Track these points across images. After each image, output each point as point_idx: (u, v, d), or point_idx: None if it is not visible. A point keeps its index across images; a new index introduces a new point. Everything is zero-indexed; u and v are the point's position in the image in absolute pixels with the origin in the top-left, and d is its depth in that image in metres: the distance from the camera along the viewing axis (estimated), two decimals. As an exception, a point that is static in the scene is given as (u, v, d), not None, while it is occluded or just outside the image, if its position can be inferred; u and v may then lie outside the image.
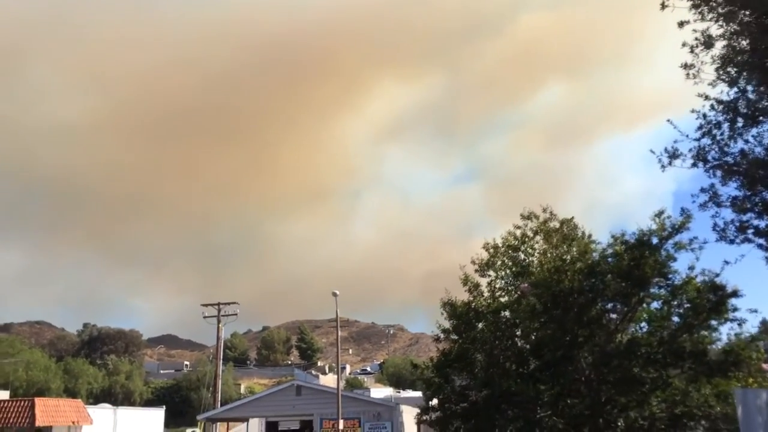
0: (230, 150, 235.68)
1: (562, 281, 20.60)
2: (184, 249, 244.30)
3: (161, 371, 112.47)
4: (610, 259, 21.20)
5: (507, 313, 22.77)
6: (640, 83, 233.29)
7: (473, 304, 23.12)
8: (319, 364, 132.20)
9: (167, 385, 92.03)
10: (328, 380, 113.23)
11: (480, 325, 23.13)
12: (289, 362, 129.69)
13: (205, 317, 58.74)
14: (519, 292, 21.94)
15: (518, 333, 23.08)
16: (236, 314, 59.02)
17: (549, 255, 22.68)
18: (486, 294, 23.34)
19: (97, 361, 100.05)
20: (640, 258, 20.48)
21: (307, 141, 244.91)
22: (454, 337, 23.73)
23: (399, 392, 74.60)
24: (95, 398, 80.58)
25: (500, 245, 23.97)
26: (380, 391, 73.40)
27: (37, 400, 33.95)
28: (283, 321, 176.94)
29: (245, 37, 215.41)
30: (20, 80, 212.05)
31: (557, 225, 23.28)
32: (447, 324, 23.82)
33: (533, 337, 22.40)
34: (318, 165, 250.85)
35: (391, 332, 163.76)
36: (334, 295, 58.53)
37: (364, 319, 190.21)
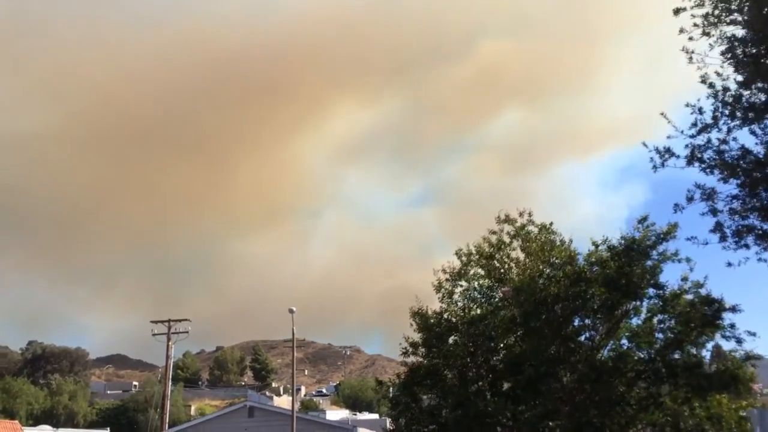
0: (188, 166, 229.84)
1: (548, 287, 18.44)
2: (137, 266, 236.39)
3: (108, 392, 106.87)
4: (595, 267, 19.15)
5: (482, 326, 20.43)
6: (595, 111, 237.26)
7: (446, 314, 20.79)
8: (274, 385, 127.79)
9: (113, 407, 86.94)
10: (283, 402, 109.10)
11: (452, 339, 20.82)
12: (243, 383, 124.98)
13: (154, 335, 54.89)
14: (501, 295, 19.69)
15: (493, 346, 20.83)
16: (187, 332, 55.37)
17: (528, 261, 20.56)
18: (460, 304, 21.03)
19: (40, 380, 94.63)
20: (629, 265, 18.52)
21: (267, 159, 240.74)
22: (423, 351, 21.35)
23: (356, 414, 71.61)
24: (35, 419, 75.53)
25: (473, 252, 21.78)
26: (336, 414, 70.22)
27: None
28: (237, 341, 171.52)
29: (206, 54, 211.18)
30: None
31: (535, 230, 21.20)
32: (416, 336, 21.46)
33: (512, 351, 20.17)
34: (277, 184, 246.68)
35: (348, 353, 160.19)
36: (291, 312, 55.60)
37: (320, 339, 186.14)
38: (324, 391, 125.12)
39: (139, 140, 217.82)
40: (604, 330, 19.73)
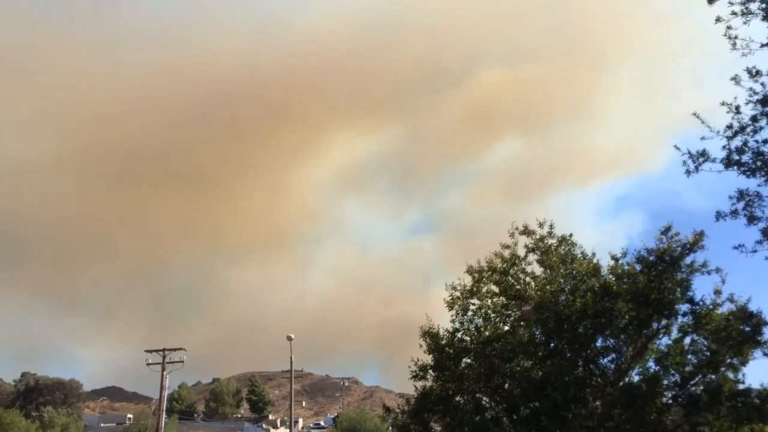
0: (186, 194, 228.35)
1: (573, 302, 16.63)
2: (133, 296, 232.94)
3: (102, 424, 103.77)
4: (623, 280, 17.35)
5: (498, 346, 18.51)
6: (592, 139, 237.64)
7: (460, 333, 18.93)
8: (271, 417, 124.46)
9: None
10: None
11: (466, 360, 18.92)
12: (239, 415, 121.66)
13: (148, 364, 52.87)
14: (520, 313, 17.87)
15: (510, 369, 18.89)
16: (182, 361, 53.33)
17: (547, 276, 18.79)
18: (475, 322, 19.16)
19: (33, 413, 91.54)
20: (661, 278, 16.76)
21: (266, 187, 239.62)
22: (434, 374, 19.42)
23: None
24: (25, 453, 72.64)
25: (485, 268, 20.01)
26: (335, 446, 67.47)
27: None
28: (234, 372, 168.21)
29: (206, 82, 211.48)
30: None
31: (555, 243, 19.47)
32: (426, 358, 19.54)
33: (529, 375, 18.26)
34: (276, 212, 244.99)
35: (346, 385, 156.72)
36: (289, 339, 53.45)
37: (317, 371, 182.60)
38: (322, 423, 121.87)
39: (137, 168, 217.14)
40: (633, 350, 17.87)
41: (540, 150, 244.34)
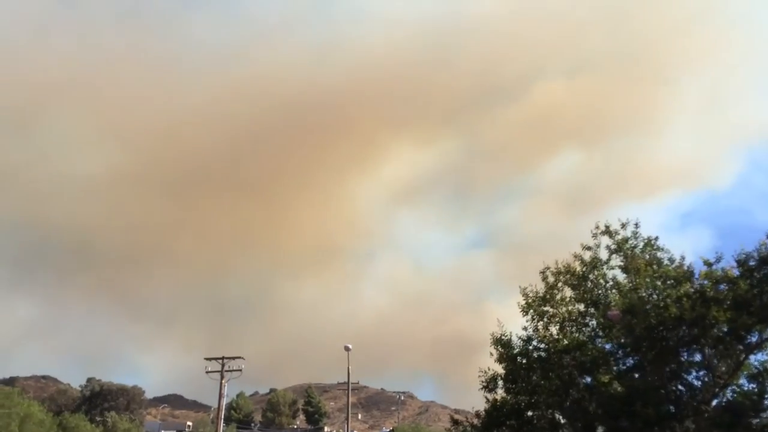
0: (244, 207, 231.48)
1: (667, 308, 14.87)
2: (194, 305, 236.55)
3: (162, 431, 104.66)
4: (722, 286, 15.49)
5: (577, 355, 16.82)
6: (655, 153, 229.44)
7: (535, 340, 17.32)
8: (326, 429, 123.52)
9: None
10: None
11: (540, 372, 17.27)
12: (295, 426, 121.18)
13: (207, 372, 52.72)
14: (603, 320, 16.19)
15: (584, 383, 17.16)
16: (240, 370, 52.91)
17: (631, 281, 17.03)
18: (552, 329, 17.53)
19: (97, 417, 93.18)
20: (765, 283, 14.86)
21: (322, 200, 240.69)
22: (505, 386, 17.88)
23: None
24: (90, 457, 73.68)
25: (562, 271, 18.40)
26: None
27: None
28: (290, 383, 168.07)
29: (263, 95, 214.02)
30: (40, 134, 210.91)
31: (640, 246, 17.72)
32: (496, 367, 18.04)
33: (612, 389, 16.51)
34: (331, 225, 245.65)
35: (402, 399, 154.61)
36: (347, 349, 52.44)
37: (373, 384, 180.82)
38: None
39: (199, 181, 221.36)
40: (729, 365, 15.94)
41: (600, 163, 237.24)
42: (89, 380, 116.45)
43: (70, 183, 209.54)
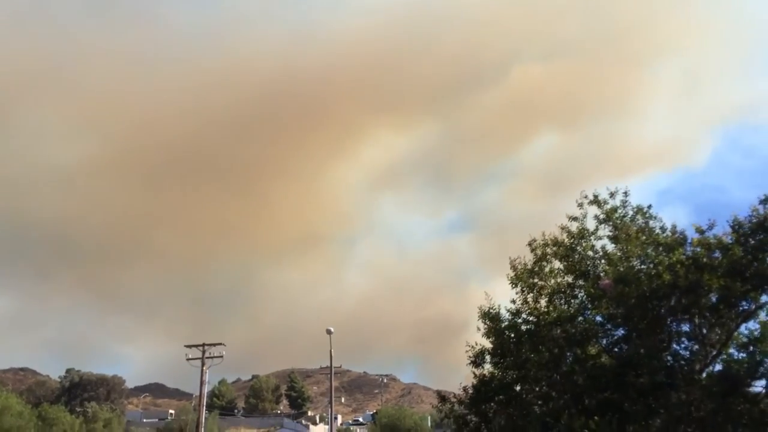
0: (224, 196, 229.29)
1: (660, 275, 14.35)
2: (175, 296, 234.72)
3: (144, 420, 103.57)
4: (716, 252, 14.99)
5: (568, 327, 16.27)
6: (632, 134, 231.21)
7: (525, 313, 16.75)
8: (310, 413, 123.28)
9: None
10: (319, 430, 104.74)
11: (530, 345, 16.71)
12: (279, 411, 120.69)
13: (188, 359, 51.95)
14: (593, 290, 15.65)
15: (580, 354, 16.63)
16: (222, 356, 52.20)
17: (622, 250, 16.48)
18: (542, 302, 16.96)
19: (77, 408, 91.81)
20: (761, 249, 14.41)
21: (302, 187, 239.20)
22: (493, 360, 17.32)
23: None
24: (70, 447, 72.52)
25: (549, 243, 17.83)
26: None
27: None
28: (273, 369, 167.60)
29: (242, 83, 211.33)
30: (16, 125, 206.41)
31: (630, 214, 17.19)
32: (484, 342, 17.47)
33: (601, 361, 16.02)
34: (312, 211, 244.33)
35: (384, 382, 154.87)
36: (329, 332, 51.85)
37: (355, 368, 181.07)
38: (361, 420, 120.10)
39: (177, 170, 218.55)
40: (722, 333, 15.50)
41: (578, 145, 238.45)
42: (68, 371, 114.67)
43: (48, 175, 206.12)
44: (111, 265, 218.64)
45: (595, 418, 13.97)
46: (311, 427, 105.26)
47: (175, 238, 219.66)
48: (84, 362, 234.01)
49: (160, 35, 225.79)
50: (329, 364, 51.91)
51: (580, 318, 16.31)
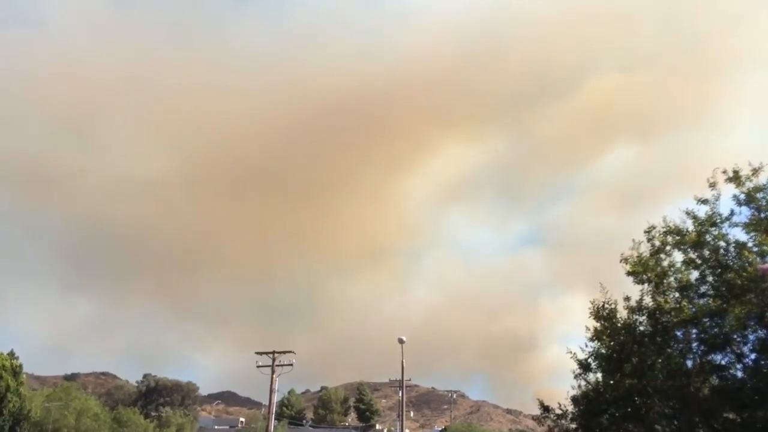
0: (294, 206, 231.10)
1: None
2: (247, 304, 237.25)
3: (215, 427, 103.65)
4: None
5: (707, 325, 13.29)
6: (713, 147, 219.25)
7: (653, 310, 13.81)
8: (378, 427, 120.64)
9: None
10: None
11: (651, 350, 13.78)
12: (347, 424, 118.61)
13: (258, 366, 50.89)
14: (757, 275, 12.64)
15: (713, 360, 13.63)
16: (291, 364, 50.84)
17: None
18: (670, 298, 13.97)
19: (152, 412, 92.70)
20: None
21: (370, 200, 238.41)
22: (606, 366, 14.44)
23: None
24: (143, 450, 72.76)
25: (672, 230, 14.88)
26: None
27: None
28: (341, 381, 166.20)
29: (313, 96, 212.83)
30: (97, 137, 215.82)
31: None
32: (593, 345, 14.62)
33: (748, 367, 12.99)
34: (381, 224, 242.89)
35: (453, 397, 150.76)
36: (401, 342, 49.53)
37: (423, 383, 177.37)
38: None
39: (249, 182, 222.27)
40: None
41: (655, 159, 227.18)
42: (145, 376, 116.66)
43: (128, 186, 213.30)
44: (184, 273, 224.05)
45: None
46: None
47: (247, 248, 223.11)
48: (160, 368, 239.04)
49: (237, 52, 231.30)
50: (398, 377, 49.58)
51: (717, 318, 13.27)
